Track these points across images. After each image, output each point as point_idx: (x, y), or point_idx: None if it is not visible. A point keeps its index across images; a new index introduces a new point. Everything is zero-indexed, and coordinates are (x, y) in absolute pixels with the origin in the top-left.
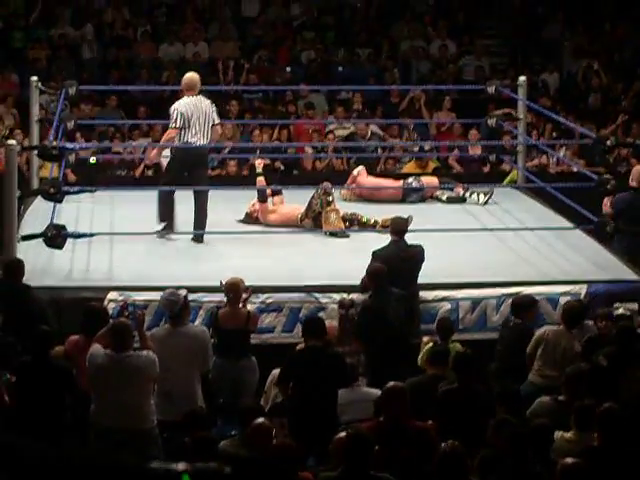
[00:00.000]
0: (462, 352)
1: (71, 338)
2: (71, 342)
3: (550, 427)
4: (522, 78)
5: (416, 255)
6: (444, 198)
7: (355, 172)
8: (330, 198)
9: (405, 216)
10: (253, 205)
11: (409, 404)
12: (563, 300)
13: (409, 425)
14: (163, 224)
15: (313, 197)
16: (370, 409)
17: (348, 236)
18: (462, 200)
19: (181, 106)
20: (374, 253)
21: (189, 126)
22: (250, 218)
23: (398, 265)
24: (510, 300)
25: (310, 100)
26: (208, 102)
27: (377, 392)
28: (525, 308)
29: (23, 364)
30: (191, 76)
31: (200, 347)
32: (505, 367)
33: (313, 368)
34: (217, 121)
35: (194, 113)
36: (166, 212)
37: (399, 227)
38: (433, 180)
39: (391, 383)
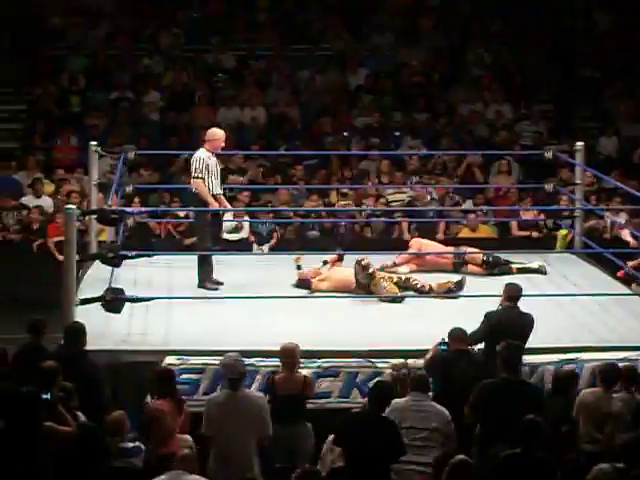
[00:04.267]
0: (529, 418)
1: (154, 402)
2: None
3: None
4: (580, 143)
5: (528, 324)
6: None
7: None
8: (370, 271)
9: (459, 279)
10: (313, 272)
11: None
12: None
13: None
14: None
15: (356, 274)
16: (433, 421)
17: (401, 301)
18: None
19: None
20: (487, 315)
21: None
22: (302, 283)
23: (508, 331)
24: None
25: (364, 166)
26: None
27: (445, 410)
28: (568, 382)
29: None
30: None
31: (259, 413)
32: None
33: (367, 434)
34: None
35: None
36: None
37: (513, 293)
38: (478, 271)
39: (459, 457)
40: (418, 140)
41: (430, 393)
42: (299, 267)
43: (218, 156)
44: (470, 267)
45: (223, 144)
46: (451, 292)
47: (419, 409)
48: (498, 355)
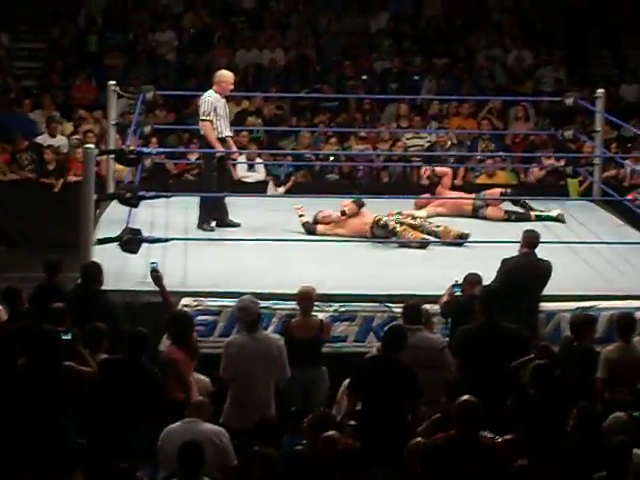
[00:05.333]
0: (540, 364)
1: (166, 347)
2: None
3: (629, 445)
4: (600, 90)
5: (545, 271)
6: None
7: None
8: (391, 228)
9: (464, 233)
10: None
11: (481, 419)
12: (639, 315)
13: (480, 441)
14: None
15: (373, 231)
16: (428, 357)
17: (426, 247)
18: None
19: None
20: (503, 262)
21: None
22: (309, 229)
23: (524, 278)
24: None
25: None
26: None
27: (438, 338)
28: (585, 327)
29: (113, 362)
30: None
31: (277, 355)
32: None
33: (382, 378)
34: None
35: None
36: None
37: (531, 240)
38: (499, 215)
39: (464, 397)
40: (437, 85)
41: (421, 325)
42: (302, 216)
43: (234, 99)
44: (490, 210)
45: (232, 86)
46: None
47: (408, 344)
48: (477, 299)
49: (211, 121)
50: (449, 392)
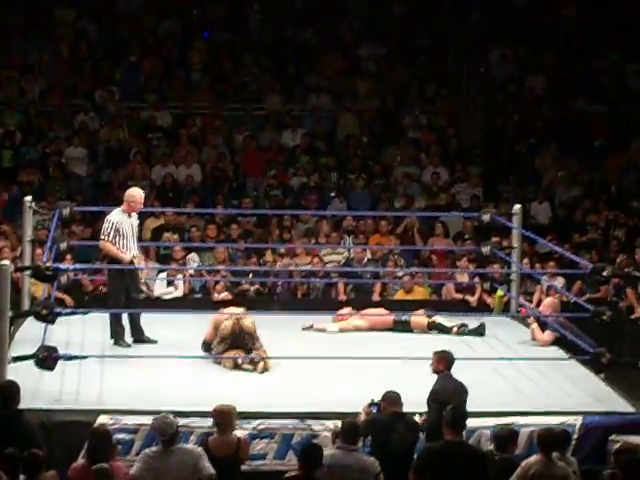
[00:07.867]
0: None
1: (74, 464)
2: (75, 469)
3: None
4: (517, 206)
5: (465, 391)
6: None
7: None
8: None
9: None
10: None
11: None
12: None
13: None
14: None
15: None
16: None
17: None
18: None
19: None
20: (433, 388)
21: None
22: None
23: (454, 401)
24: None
25: (309, 226)
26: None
27: (374, 462)
28: (508, 440)
29: None
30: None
31: (196, 462)
32: None
33: None
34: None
35: None
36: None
37: (450, 361)
38: (422, 322)
39: None
40: (353, 201)
41: (360, 444)
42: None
43: (150, 215)
44: (413, 319)
45: (141, 205)
46: None
47: (343, 464)
48: (444, 418)
49: (110, 242)
50: None
